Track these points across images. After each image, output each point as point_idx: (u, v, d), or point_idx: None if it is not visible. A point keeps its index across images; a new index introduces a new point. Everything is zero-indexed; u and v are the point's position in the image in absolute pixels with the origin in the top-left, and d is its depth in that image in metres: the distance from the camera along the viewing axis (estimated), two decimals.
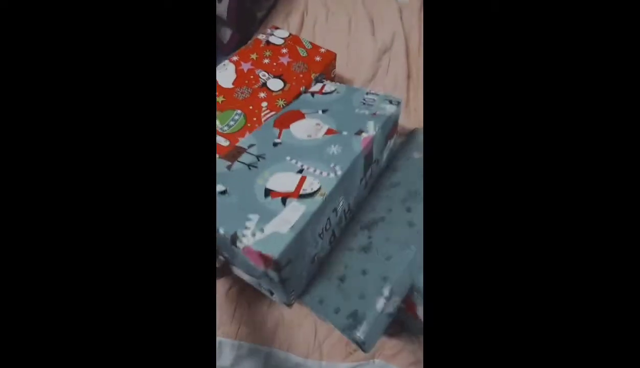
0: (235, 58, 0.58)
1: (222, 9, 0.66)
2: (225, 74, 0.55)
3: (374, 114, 0.47)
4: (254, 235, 0.33)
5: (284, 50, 0.59)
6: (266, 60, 0.57)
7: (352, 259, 0.42)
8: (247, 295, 0.47)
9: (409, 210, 0.43)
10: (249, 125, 0.49)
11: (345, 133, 0.44)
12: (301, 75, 0.56)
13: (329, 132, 0.45)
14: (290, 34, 0.62)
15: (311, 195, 0.37)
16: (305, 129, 0.46)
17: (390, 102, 0.49)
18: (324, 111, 0.48)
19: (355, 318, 0.36)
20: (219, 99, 0.52)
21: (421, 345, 0.43)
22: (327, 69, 0.59)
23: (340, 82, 0.56)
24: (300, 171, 0.40)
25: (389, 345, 0.43)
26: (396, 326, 0.43)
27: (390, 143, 0.53)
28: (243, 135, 0.48)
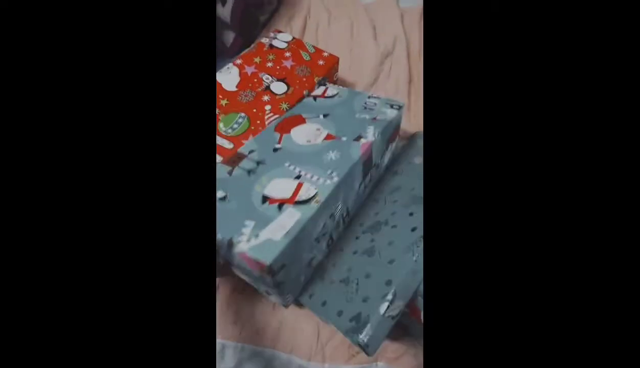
0: (239, 61, 0.58)
1: (225, 12, 0.66)
2: (229, 77, 0.55)
3: (375, 118, 0.47)
4: (249, 241, 0.34)
5: (288, 54, 0.60)
6: (269, 64, 0.58)
7: (356, 262, 0.42)
8: (250, 298, 0.47)
9: (411, 214, 0.43)
10: (252, 128, 0.50)
11: (344, 138, 0.45)
12: (304, 79, 0.56)
13: (328, 137, 0.45)
14: (293, 38, 0.63)
15: (307, 201, 0.37)
16: (305, 134, 0.46)
17: (392, 106, 0.50)
18: (325, 115, 0.49)
19: (358, 322, 0.36)
20: (223, 101, 0.52)
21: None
22: (330, 72, 0.59)
23: (342, 86, 0.56)
24: (298, 177, 0.40)
25: (392, 348, 0.43)
26: (399, 330, 0.43)
27: (392, 146, 0.53)
28: (246, 138, 0.48)
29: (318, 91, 0.55)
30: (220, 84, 0.54)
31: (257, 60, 0.58)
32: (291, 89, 0.55)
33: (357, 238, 0.46)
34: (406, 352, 0.42)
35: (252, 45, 0.63)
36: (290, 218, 0.36)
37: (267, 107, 0.52)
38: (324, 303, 0.40)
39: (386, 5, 0.79)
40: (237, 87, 0.54)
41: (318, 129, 0.46)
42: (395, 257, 0.39)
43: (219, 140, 0.48)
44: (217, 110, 0.51)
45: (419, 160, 0.53)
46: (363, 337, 0.34)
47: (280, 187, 0.39)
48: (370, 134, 0.45)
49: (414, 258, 0.38)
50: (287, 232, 0.34)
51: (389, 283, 0.37)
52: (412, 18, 0.76)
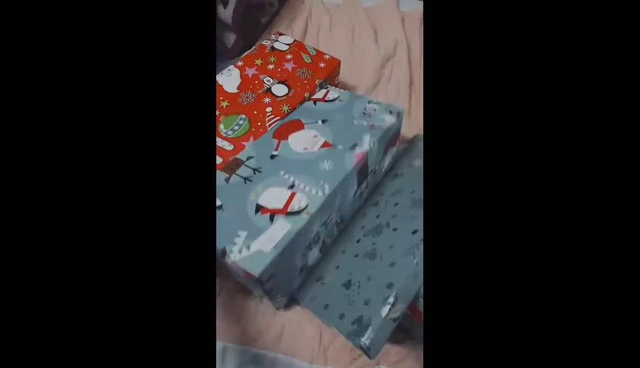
0: (240, 63, 0.58)
1: (227, 14, 0.66)
2: (230, 79, 0.55)
3: (372, 125, 0.47)
4: (240, 252, 0.36)
5: (289, 56, 0.60)
6: (271, 66, 0.58)
7: (357, 265, 0.42)
8: (252, 301, 0.47)
9: (413, 217, 0.43)
10: (253, 130, 0.50)
11: (340, 147, 0.45)
12: (305, 81, 0.56)
13: (325, 145, 0.46)
14: (294, 40, 0.63)
15: (298, 213, 0.38)
16: (302, 141, 0.46)
17: (391, 112, 0.50)
18: (323, 121, 0.49)
19: (360, 325, 0.36)
20: (224, 103, 0.52)
21: None
22: (331, 75, 0.59)
23: (344, 89, 0.56)
24: (291, 187, 0.41)
25: (394, 351, 0.43)
26: (401, 333, 0.42)
27: (393, 150, 0.54)
28: (247, 140, 0.48)
29: (319, 94, 0.55)
30: (222, 86, 0.54)
31: (258, 62, 0.58)
32: (292, 91, 0.55)
33: (358, 241, 0.46)
34: (408, 355, 0.42)
35: (254, 47, 0.63)
36: (281, 229, 0.37)
37: (268, 109, 0.52)
38: (326, 307, 0.40)
39: (387, 9, 0.79)
40: (238, 88, 0.54)
41: (315, 136, 0.47)
42: (396, 260, 0.39)
43: (220, 142, 0.48)
44: (217, 112, 0.51)
45: (419, 162, 0.53)
46: (365, 340, 0.34)
47: (273, 196, 0.40)
48: (366, 143, 0.45)
49: (415, 261, 0.38)
50: (277, 244, 0.36)
51: (390, 286, 0.37)
52: (412, 22, 0.76)
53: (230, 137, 0.49)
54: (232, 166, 0.44)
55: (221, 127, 0.49)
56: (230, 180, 0.42)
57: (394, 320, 0.36)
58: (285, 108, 0.52)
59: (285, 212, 0.38)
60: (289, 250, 0.37)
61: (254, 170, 0.43)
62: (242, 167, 0.44)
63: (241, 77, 0.56)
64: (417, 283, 0.38)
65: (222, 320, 0.45)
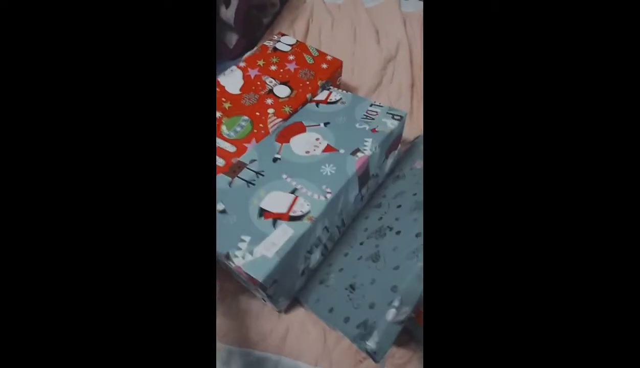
0: (242, 64, 0.58)
1: (229, 14, 0.66)
2: (233, 80, 0.55)
3: (374, 129, 0.47)
4: (244, 257, 0.36)
5: (291, 57, 0.59)
6: (273, 67, 0.58)
7: (361, 268, 0.42)
8: (256, 304, 0.46)
9: (415, 220, 0.43)
10: (255, 131, 0.49)
11: (342, 151, 0.45)
12: (308, 82, 0.56)
13: (327, 148, 0.46)
14: (297, 41, 0.62)
15: (300, 217, 0.39)
16: (304, 144, 0.46)
17: (393, 116, 0.49)
18: (326, 124, 0.49)
19: (365, 328, 0.35)
20: (226, 104, 0.52)
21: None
22: (333, 76, 0.59)
23: (346, 90, 0.56)
24: (294, 191, 0.41)
25: (399, 354, 0.43)
26: (405, 335, 0.42)
27: (395, 154, 0.53)
28: (249, 142, 0.48)
29: (321, 96, 0.55)
30: (224, 87, 0.54)
31: (260, 63, 0.58)
32: (294, 92, 0.54)
33: (361, 243, 0.46)
34: (412, 358, 0.42)
35: (256, 48, 0.62)
36: (283, 235, 0.37)
37: (270, 111, 0.52)
38: (330, 310, 0.40)
39: (388, 10, 0.79)
40: (240, 90, 0.54)
41: (317, 139, 0.47)
42: (400, 263, 0.39)
43: (222, 144, 0.48)
44: (220, 114, 0.51)
45: (420, 164, 0.53)
46: (371, 343, 0.34)
47: (276, 200, 0.40)
48: (368, 148, 0.45)
49: (419, 264, 0.38)
50: (279, 250, 0.36)
51: (394, 289, 0.37)
52: (414, 23, 0.76)
53: (233, 138, 0.49)
54: (235, 169, 0.44)
55: (223, 129, 0.49)
56: (233, 183, 0.42)
57: (399, 323, 0.36)
58: (287, 109, 0.52)
59: (288, 217, 0.39)
60: (291, 255, 0.37)
61: (257, 173, 0.43)
62: (245, 169, 0.44)
63: (244, 78, 0.56)
64: (422, 286, 0.38)
65: (226, 323, 0.45)
